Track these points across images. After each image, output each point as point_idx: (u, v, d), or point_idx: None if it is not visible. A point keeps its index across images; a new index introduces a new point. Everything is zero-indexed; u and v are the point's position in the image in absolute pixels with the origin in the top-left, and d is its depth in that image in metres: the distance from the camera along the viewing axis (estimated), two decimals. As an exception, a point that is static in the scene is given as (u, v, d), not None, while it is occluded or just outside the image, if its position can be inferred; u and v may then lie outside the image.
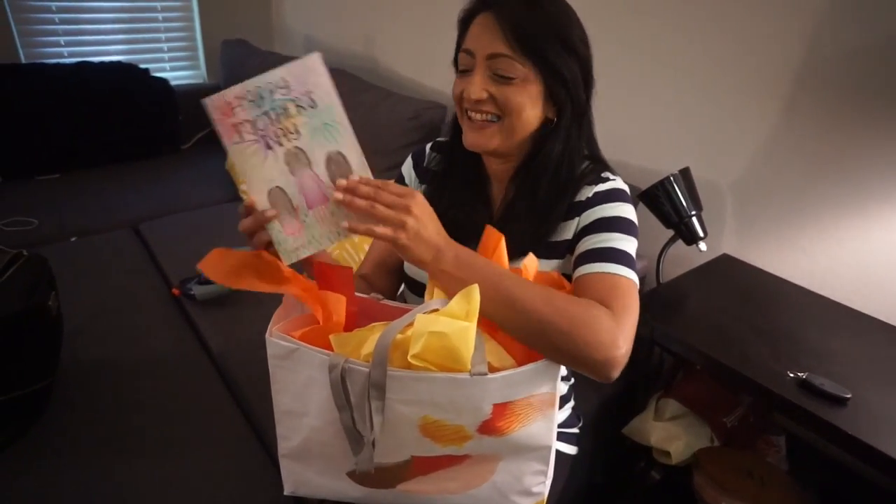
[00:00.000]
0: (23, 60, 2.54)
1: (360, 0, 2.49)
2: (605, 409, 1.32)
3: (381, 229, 0.70)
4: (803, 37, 1.21)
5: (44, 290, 1.16)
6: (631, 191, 0.89)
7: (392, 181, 0.76)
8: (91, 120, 2.39)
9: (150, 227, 2.00)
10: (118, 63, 2.51)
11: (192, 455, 1.15)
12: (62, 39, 2.63)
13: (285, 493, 0.87)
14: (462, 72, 0.86)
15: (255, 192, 0.73)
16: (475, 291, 0.68)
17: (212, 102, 0.70)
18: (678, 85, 1.45)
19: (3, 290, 1.07)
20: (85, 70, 2.42)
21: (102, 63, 2.48)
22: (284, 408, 0.82)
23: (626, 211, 0.84)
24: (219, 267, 0.73)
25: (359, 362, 0.71)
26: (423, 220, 0.72)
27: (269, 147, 0.72)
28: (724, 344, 1.09)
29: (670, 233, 1.33)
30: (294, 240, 0.75)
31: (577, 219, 0.86)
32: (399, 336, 0.68)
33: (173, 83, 2.67)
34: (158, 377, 1.34)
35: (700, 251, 1.31)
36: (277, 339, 0.77)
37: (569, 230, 0.87)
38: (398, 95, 2.00)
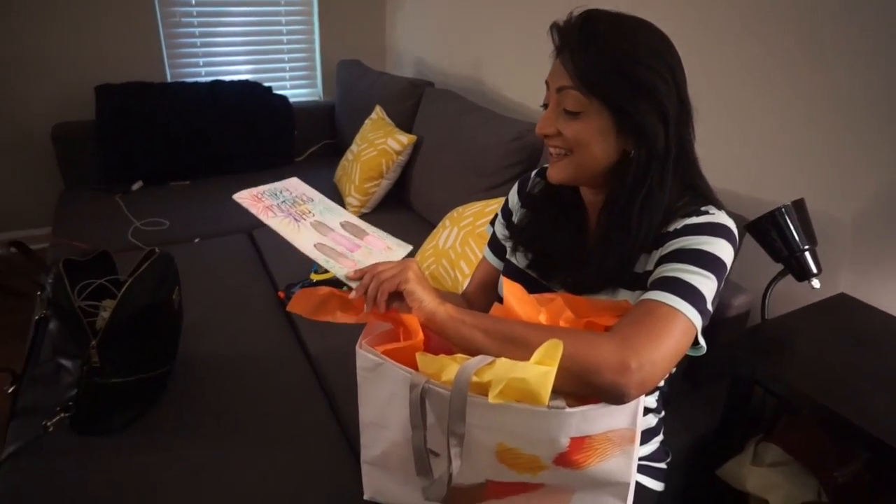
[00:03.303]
0: (168, 79, 2.85)
1: (469, 25, 2.56)
2: (697, 446, 1.26)
3: (386, 284, 0.79)
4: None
5: (170, 285, 1.29)
6: (738, 221, 0.85)
7: (382, 261, 0.85)
8: (219, 133, 2.62)
9: (263, 234, 2.15)
10: (245, 81, 2.75)
11: (285, 449, 1.22)
12: (201, 60, 2.91)
13: (365, 497, 0.91)
14: (544, 105, 0.88)
15: (304, 248, 0.84)
16: (557, 346, 0.68)
17: (242, 197, 0.85)
18: (795, 109, 1.37)
19: (137, 282, 1.20)
20: (217, 88, 2.67)
21: (232, 81, 2.72)
22: (368, 419, 0.85)
23: (715, 246, 0.79)
24: (304, 304, 0.83)
25: (439, 384, 0.73)
26: (421, 276, 0.81)
27: (297, 220, 0.87)
28: (836, 390, 1.01)
29: (779, 267, 1.25)
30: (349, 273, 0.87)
31: (659, 249, 0.83)
32: (475, 379, 0.70)
33: (291, 100, 2.87)
34: (260, 373, 1.44)
35: (813, 288, 1.22)
36: (366, 351, 0.80)
37: (652, 261, 0.84)
38: (502, 117, 2.03)
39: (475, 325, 0.77)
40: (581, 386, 0.72)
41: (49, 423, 1.18)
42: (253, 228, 2.21)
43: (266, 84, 2.81)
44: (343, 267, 0.85)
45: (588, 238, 0.94)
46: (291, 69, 3.17)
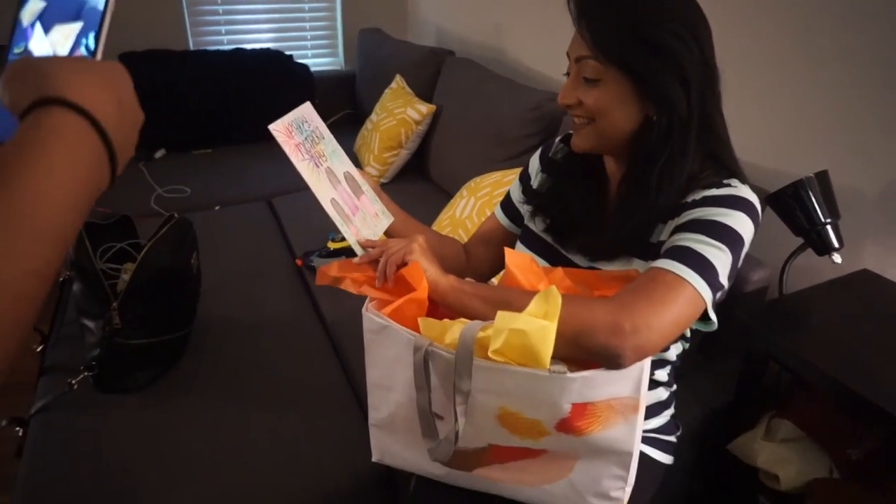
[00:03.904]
0: (191, 47, 2.85)
1: (492, -11, 2.50)
2: (709, 420, 1.25)
3: (394, 256, 0.82)
4: None
5: (188, 250, 1.32)
6: (758, 194, 0.83)
7: (393, 238, 0.89)
8: (241, 101, 2.63)
9: (282, 202, 2.17)
10: (267, 50, 2.74)
11: (298, 412, 1.25)
12: (223, 28, 2.91)
13: (373, 459, 0.93)
14: (567, 75, 0.87)
15: (324, 202, 0.86)
16: (554, 293, 0.68)
17: (276, 128, 0.85)
18: (818, 77, 1.32)
19: (157, 245, 1.23)
20: (238, 56, 2.67)
21: (254, 50, 2.72)
22: (375, 380, 0.87)
23: (733, 219, 0.77)
24: (324, 278, 0.87)
25: (442, 347, 0.74)
26: (425, 249, 0.84)
27: (317, 165, 0.87)
28: (854, 368, 0.99)
29: (800, 240, 1.22)
30: (357, 239, 0.91)
31: (675, 219, 0.82)
32: (481, 333, 0.70)
33: (312, 69, 2.86)
34: (276, 338, 1.47)
35: (834, 263, 1.19)
36: (371, 314, 0.82)
37: (667, 231, 0.83)
38: (522, 86, 1.99)
39: (474, 294, 0.80)
40: (575, 349, 0.72)
41: (74, 382, 1.22)
42: (273, 196, 2.23)
43: (287, 52, 2.81)
44: (351, 233, 0.88)
45: (607, 205, 0.94)
46: (313, 38, 3.15)
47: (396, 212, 1.04)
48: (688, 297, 0.74)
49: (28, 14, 0.50)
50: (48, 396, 1.24)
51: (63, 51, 0.49)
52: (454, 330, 0.75)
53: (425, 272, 0.81)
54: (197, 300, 1.41)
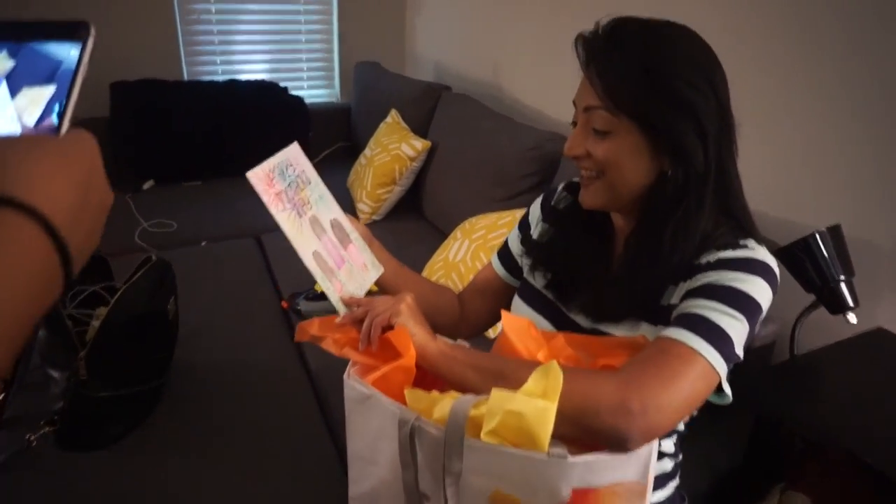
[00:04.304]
0: (185, 77, 2.82)
1: (488, 29, 2.49)
2: (716, 489, 1.17)
3: (379, 318, 0.76)
4: None
5: (165, 295, 1.24)
6: (768, 247, 0.77)
7: (379, 297, 0.82)
8: (234, 132, 2.58)
9: (271, 238, 2.10)
10: (261, 81, 2.71)
11: (277, 466, 1.17)
12: (218, 59, 2.88)
13: (352, 537, 0.85)
14: (573, 123, 0.82)
15: (304, 256, 0.80)
16: (555, 369, 0.61)
17: (256, 175, 0.79)
18: (831, 125, 1.27)
19: (131, 290, 1.15)
20: (232, 87, 2.63)
21: (248, 81, 2.68)
22: (356, 452, 0.80)
23: (750, 284, 0.71)
24: (304, 334, 0.81)
25: (430, 423, 0.67)
26: (414, 310, 0.78)
27: (300, 215, 0.81)
28: (874, 436, 0.92)
29: (811, 297, 1.16)
30: (341, 296, 0.84)
31: (688, 281, 0.76)
32: (473, 411, 0.63)
33: (308, 101, 2.83)
34: (258, 385, 1.39)
35: (848, 323, 1.12)
36: (354, 381, 0.75)
37: (678, 293, 0.77)
38: (520, 125, 1.95)
39: (466, 363, 0.73)
40: (578, 430, 0.66)
41: (33, 438, 1.13)
42: (262, 232, 2.16)
43: (283, 84, 2.78)
44: (335, 289, 0.81)
45: (613, 261, 0.87)
46: (309, 69, 3.12)
47: (388, 260, 0.98)
48: (701, 372, 0.68)
49: None
50: (5, 453, 1.15)
51: (31, 118, 0.42)
52: (444, 404, 0.68)
53: (413, 336, 0.75)
54: (174, 348, 1.33)
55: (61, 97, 0.42)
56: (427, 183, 2.24)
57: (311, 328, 0.81)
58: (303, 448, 1.24)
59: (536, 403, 0.60)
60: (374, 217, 2.26)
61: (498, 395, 0.61)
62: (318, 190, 0.89)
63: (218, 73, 2.89)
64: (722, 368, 0.69)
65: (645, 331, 0.79)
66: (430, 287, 1.06)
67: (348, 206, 2.34)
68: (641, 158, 0.76)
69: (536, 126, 1.92)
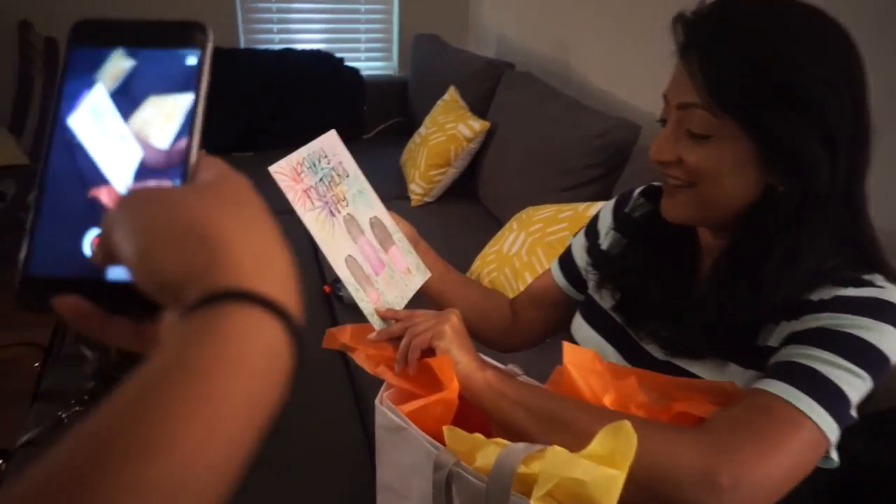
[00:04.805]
0: (242, 46, 2.76)
1: (559, 2, 2.31)
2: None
3: (418, 339, 0.67)
4: None
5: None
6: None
7: (420, 311, 0.73)
8: (286, 103, 2.51)
9: (320, 216, 2.04)
10: (317, 51, 2.62)
11: (307, 461, 1.13)
12: (275, 27, 2.81)
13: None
14: (661, 121, 0.68)
15: (336, 263, 0.71)
16: (628, 430, 0.49)
17: (281, 168, 0.69)
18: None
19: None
20: (287, 57, 2.56)
21: (303, 51, 2.60)
22: (386, 483, 0.71)
23: (876, 334, 0.57)
24: (333, 342, 0.74)
25: (471, 470, 0.57)
26: (459, 332, 0.69)
27: (332, 214, 0.72)
28: None
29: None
30: (376, 307, 0.75)
31: (793, 321, 0.62)
32: (523, 468, 0.52)
33: (365, 73, 2.73)
34: (296, 381, 1.32)
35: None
36: (387, 409, 0.66)
37: (780, 335, 0.63)
38: (587, 108, 1.80)
39: (518, 401, 0.62)
40: (649, 498, 0.55)
41: (65, 416, 1.10)
42: (309, 209, 2.10)
43: (339, 55, 2.69)
44: (369, 300, 0.72)
45: (698, 284, 0.74)
46: (367, 40, 3.02)
47: (434, 262, 0.87)
48: (808, 440, 0.55)
49: (109, 76, 0.34)
50: (37, 428, 1.12)
51: (164, 138, 0.33)
52: (488, 451, 0.57)
53: (457, 364, 0.65)
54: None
55: (193, 109, 0.33)
56: (484, 166, 2.12)
57: (343, 336, 0.73)
58: (335, 438, 1.19)
59: (603, 472, 0.49)
60: (427, 199, 2.16)
61: (556, 456, 0.51)
62: (356, 184, 0.79)
63: (274, 41, 2.82)
64: (833, 434, 0.56)
65: (733, 374, 0.66)
66: (480, 292, 0.95)
67: (400, 186, 2.24)
68: (746, 171, 0.62)
69: (606, 111, 1.76)
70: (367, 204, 0.79)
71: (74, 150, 0.33)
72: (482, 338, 0.95)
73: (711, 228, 0.71)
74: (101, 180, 0.33)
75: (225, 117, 2.45)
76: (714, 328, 0.66)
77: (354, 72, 2.67)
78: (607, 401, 0.62)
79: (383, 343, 0.71)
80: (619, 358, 0.77)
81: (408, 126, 2.75)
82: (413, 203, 2.16)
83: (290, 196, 0.67)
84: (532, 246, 1.50)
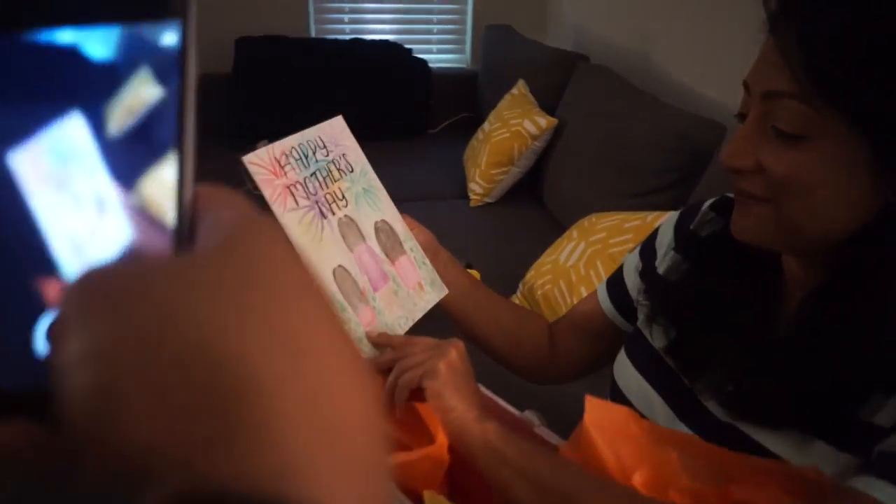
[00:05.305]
0: (312, 35, 2.73)
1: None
2: None
3: (407, 376, 0.56)
4: None
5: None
6: None
7: (421, 339, 0.61)
8: (350, 95, 2.45)
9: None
10: (384, 41, 2.55)
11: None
12: (347, 17, 2.76)
13: None
14: (740, 116, 0.53)
15: (322, 272, 0.60)
16: None
17: (258, 160, 0.58)
18: None
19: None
20: (355, 46, 2.50)
21: (371, 41, 2.54)
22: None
23: None
24: None
25: None
26: (458, 371, 0.57)
27: (323, 216, 0.62)
28: None
29: None
30: (370, 330, 0.63)
31: None
32: None
33: (435, 66, 2.63)
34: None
35: None
36: None
37: (895, 412, 0.46)
38: (666, 105, 1.61)
39: (521, 470, 0.50)
40: None
41: None
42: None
43: (409, 46, 2.60)
44: (359, 320, 0.62)
45: (780, 326, 0.57)
46: (440, 31, 2.91)
47: (457, 277, 0.75)
48: None
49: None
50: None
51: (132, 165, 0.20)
52: None
53: (449, 413, 0.53)
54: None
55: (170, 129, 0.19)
56: (549, 166, 1.96)
57: None
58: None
59: None
60: (487, 199, 2.04)
61: None
62: (362, 181, 0.68)
63: (345, 32, 2.77)
64: None
65: (820, 455, 0.50)
66: (513, 314, 0.82)
67: (460, 185, 2.12)
68: (854, 183, 0.46)
69: (685, 108, 1.56)
70: (375, 205, 0.68)
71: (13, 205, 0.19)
72: (514, 367, 0.82)
73: (799, 256, 0.55)
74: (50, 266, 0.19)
75: (290, 107, 2.42)
76: (799, 388, 0.50)
77: (422, 63, 2.57)
78: (639, 479, 0.48)
79: (372, 375, 0.60)
80: (668, 413, 0.62)
81: (476, 122, 2.62)
82: (472, 203, 2.04)
83: (266, 192, 0.57)
84: (591, 258, 1.35)
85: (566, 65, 2.06)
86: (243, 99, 2.40)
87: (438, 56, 2.93)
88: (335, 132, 0.67)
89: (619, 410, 0.52)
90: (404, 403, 0.55)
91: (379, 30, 2.80)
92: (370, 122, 2.49)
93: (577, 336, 0.81)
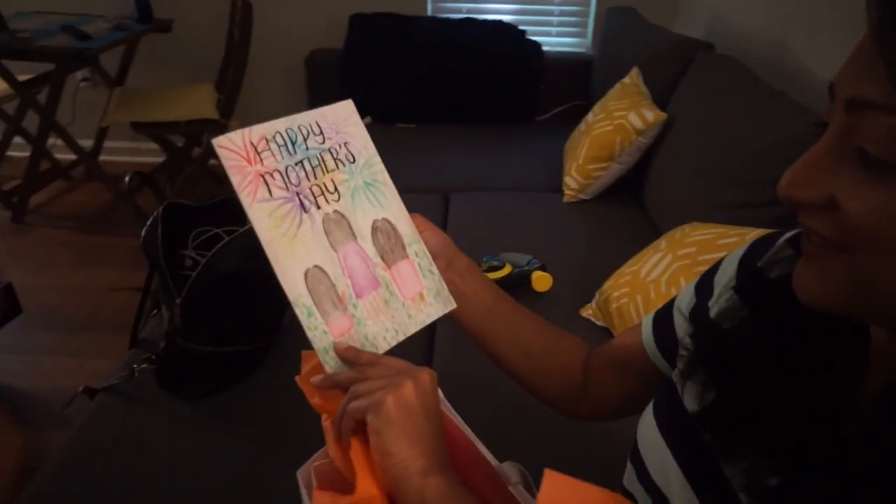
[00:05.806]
0: (429, 12, 2.69)
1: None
2: None
3: (353, 404, 0.49)
4: None
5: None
6: None
7: (391, 360, 0.54)
8: (457, 76, 2.39)
9: (459, 199, 1.89)
10: (497, 22, 2.45)
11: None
12: (465, -5, 2.69)
13: None
14: (819, 125, 0.39)
15: (285, 275, 0.53)
16: None
17: (229, 143, 0.53)
18: None
19: (226, 248, 1.04)
20: (466, 26, 2.43)
21: (483, 21, 2.45)
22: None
23: None
24: (304, 363, 0.60)
25: None
26: (412, 409, 0.49)
27: (304, 209, 0.56)
28: None
29: None
30: (341, 342, 0.55)
31: None
32: None
33: (552, 49, 2.49)
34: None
35: None
36: (303, 485, 0.50)
37: None
38: (796, 105, 1.37)
39: None
40: None
41: (137, 369, 1.12)
42: (451, 190, 1.95)
43: (527, 28, 2.48)
44: (327, 329, 0.55)
45: (855, 408, 0.42)
46: (561, 13, 2.75)
47: (479, 290, 0.67)
48: None
49: None
50: (119, 375, 1.16)
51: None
52: None
53: (387, 458, 0.45)
54: (282, 313, 1.20)
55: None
56: (654, 165, 1.78)
57: (307, 363, 0.58)
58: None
59: None
60: (581, 196, 1.89)
61: None
62: (365, 174, 0.61)
63: (462, 11, 2.70)
64: None
65: None
66: (541, 337, 0.72)
67: (556, 177, 1.98)
68: None
69: (816, 107, 1.32)
70: (376, 202, 0.61)
71: None
72: (540, 396, 0.73)
73: (885, 325, 0.40)
74: None
75: (398, 86, 2.41)
76: (872, 492, 0.36)
77: (535, 46, 2.44)
78: None
79: (337, 392, 0.54)
80: (687, 494, 0.49)
81: (588, 111, 2.46)
82: (565, 199, 1.90)
83: (234, 179, 0.52)
84: (675, 274, 1.18)
85: (687, 53, 1.84)
86: (353, 75, 2.42)
87: (558, 39, 2.78)
88: (339, 118, 0.61)
89: (587, 492, 0.41)
90: (349, 436, 0.49)
91: (498, 9, 2.70)
92: (475, 106, 2.42)
93: (613, 371, 0.69)
